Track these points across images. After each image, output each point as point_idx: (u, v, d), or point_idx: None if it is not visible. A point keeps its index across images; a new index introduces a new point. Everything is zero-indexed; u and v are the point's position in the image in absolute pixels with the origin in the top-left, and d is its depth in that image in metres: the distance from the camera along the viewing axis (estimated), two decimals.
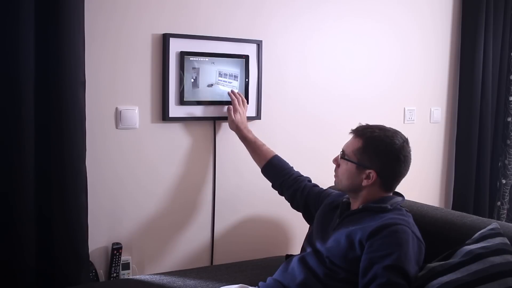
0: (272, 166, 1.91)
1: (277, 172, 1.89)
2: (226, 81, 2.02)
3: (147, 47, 1.88)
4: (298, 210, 1.87)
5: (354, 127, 1.60)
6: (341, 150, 1.61)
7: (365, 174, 1.53)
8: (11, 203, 1.61)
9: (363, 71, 2.41)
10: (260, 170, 1.95)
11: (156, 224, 1.98)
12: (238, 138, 1.99)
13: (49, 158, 1.66)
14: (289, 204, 1.89)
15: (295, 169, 1.91)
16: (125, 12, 1.84)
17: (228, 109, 2.00)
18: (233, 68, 2.02)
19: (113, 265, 1.86)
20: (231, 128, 2.00)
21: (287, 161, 1.93)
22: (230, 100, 2.02)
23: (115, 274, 1.87)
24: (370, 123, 1.61)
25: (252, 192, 2.15)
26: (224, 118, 2.03)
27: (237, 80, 2.04)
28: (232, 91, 2.03)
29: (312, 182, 1.88)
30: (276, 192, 1.91)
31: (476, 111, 2.70)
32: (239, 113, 1.99)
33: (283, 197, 1.90)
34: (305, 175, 1.89)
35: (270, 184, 1.92)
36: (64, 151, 1.66)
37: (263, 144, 1.96)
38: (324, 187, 1.84)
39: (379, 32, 2.44)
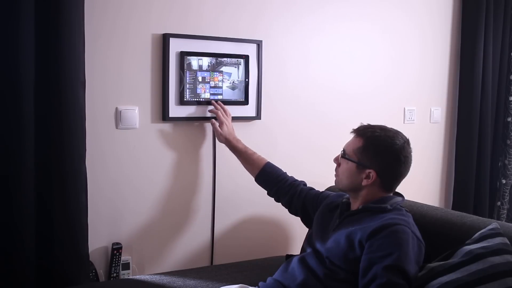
0: (266, 173, 1.88)
1: (272, 179, 1.87)
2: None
3: (147, 47, 1.89)
4: (296, 215, 1.86)
5: (355, 127, 1.60)
6: (341, 149, 1.61)
7: (365, 173, 1.53)
8: (11, 203, 1.61)
9: (363, 71, 2.41)
10: (254, 179, 1.92)
11: (156, 224, 1.98)
12: None
13: (49, 158, 1.66)
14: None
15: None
16: (125, 12, 1.84)
17: (213, 124, 1.94)
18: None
19: (113, 265, 1.86)
20: (220, 141, 1.95)
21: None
22: (227, 99, 2.01)
23: (115, 274, 1.87)
24: (371, 124, 1.61)
25: (252, 192, 2.15)
26: None
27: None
28: (212, 102, 1.97)
29: (309, 184, 1.86)
30: None
31: (476, 111, 2.70)
32: (226, 124, 1.93)
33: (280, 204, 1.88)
34: (299, 179, 1.87)
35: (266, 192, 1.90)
36: (64, 151, 1.66)
37: (254, 153, 1.92)
38: (325, 187, 1.84)
39: (379, 32, 2.44)
